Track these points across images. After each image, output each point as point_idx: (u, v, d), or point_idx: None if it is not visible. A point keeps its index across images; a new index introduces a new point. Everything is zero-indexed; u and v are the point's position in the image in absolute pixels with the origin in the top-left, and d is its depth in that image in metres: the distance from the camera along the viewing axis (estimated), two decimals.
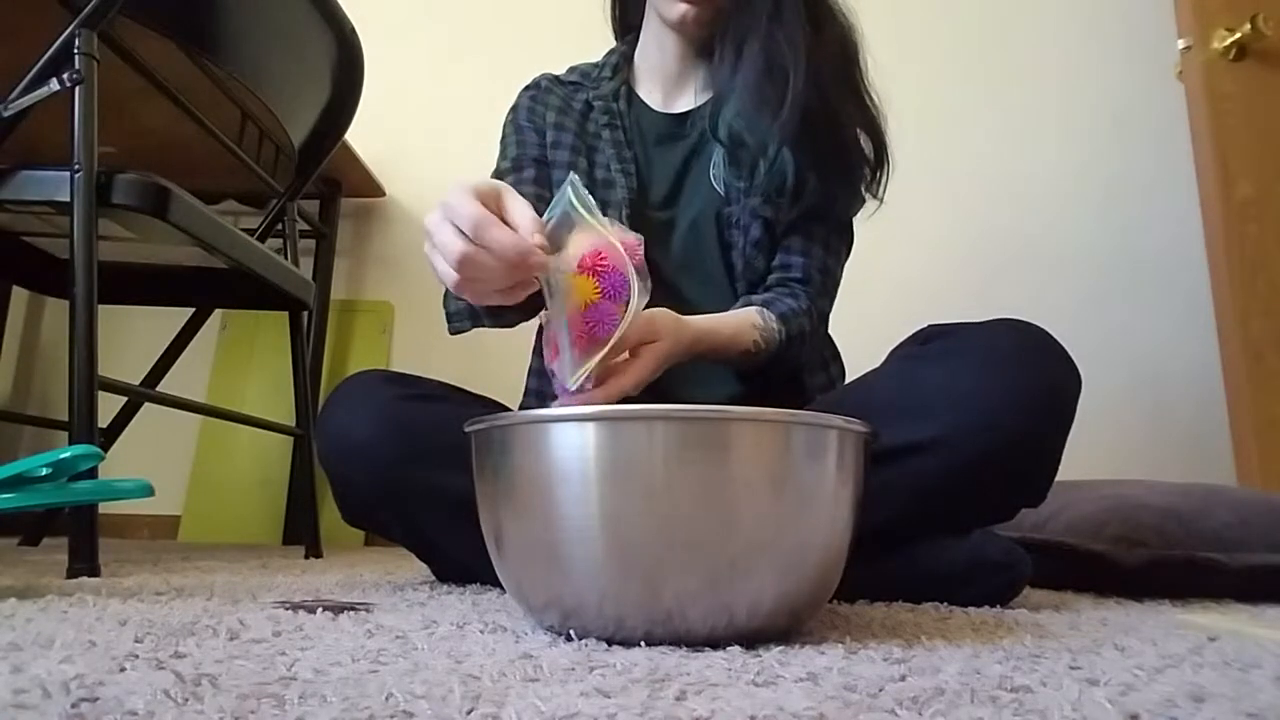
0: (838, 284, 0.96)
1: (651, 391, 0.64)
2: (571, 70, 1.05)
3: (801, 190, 0.87)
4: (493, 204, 0.54)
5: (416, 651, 0.42)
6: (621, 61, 1.02)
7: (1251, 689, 0.37)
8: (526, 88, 1.03)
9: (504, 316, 0.84)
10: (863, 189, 0.92)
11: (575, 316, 0.56)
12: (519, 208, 0.54)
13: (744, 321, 0.81)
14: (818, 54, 0.85)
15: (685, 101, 0.98)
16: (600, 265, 0.55)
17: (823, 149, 0.87)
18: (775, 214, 0.89)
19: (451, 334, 0.87)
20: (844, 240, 0.96)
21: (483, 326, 0.86)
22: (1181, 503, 0.91)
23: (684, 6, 0.90)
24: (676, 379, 0.73)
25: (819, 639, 0.48)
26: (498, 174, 0.98)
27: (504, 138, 1.00)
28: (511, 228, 0.52)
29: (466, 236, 0.52)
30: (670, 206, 0.94)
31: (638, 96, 1.00)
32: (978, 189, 1.90)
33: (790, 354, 0.86)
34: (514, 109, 1.02)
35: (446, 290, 0.86)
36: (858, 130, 0.89)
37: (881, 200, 0.93)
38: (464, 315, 0.85)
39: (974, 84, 1.95)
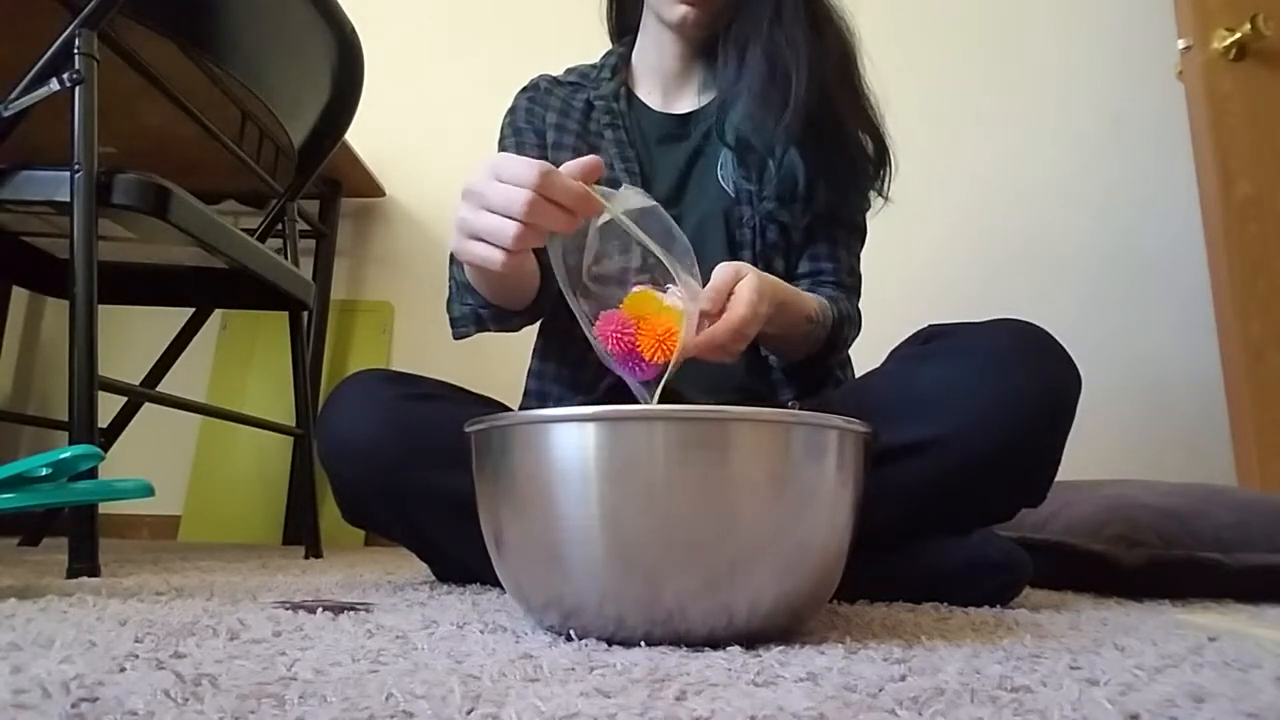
0: (861, 284, 0.97)
1: (672, 396, 0.61)
2: (570, 71, 1.05)
3: (813, 193, 0.88)
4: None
5: (416, 651, 0.42)
6: (620, 62, 1.02)
7: (1251, 689, 0.37)
8: (524, 89, 1.03)
9: (509, 321, 0.84)
10: (869, 188, 0.93)
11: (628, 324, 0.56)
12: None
13: (801, 290, 0.82)
14: (819, 56, 0.86)
15: (686, 102, 0.98)
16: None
17: (828, 149, 0.88)
18: (790, 218, 0.90)
19: (456, 339, 0.87)
20: (861, 241, 0.98)
21: (487, 331, 0.86)
22: (1181, 503, 0.91)
23: (684, 8, 0.90)
24: (690, 378, 0.72)
25: (819, 639, 0.48)
26: None
27: (501, 139, 1.00)
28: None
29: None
30: (674, 206, 0.94)
31: (637, 97, 1.00)
32: (978, 189, 1.90)
33: (839, 337, 0.87)
34: (511, 111, 1.01)
35: (450, 295, 0.87)
36: (859, 130, 0.90)
37: (887, 199, 0.94)
38: (469, 320, 0.85)
39: (974, 84, 1.95)
